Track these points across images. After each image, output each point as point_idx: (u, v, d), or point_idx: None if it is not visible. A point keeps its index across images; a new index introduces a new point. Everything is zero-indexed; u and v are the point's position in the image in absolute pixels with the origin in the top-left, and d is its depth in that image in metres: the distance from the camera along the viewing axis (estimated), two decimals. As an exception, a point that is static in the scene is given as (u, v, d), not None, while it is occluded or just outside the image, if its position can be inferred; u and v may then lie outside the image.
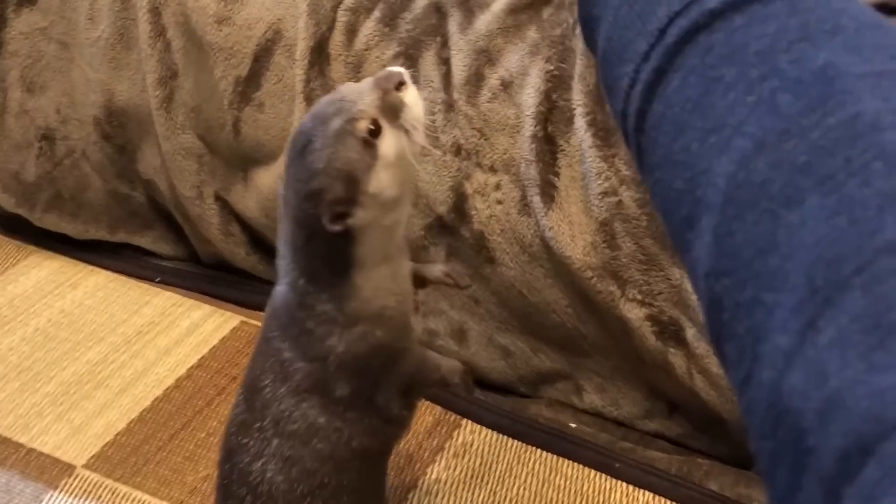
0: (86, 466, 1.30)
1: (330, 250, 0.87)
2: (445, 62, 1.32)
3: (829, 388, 0.33)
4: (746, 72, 0.41)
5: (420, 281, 1.03)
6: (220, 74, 1.45)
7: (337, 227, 0.84)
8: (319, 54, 1.37)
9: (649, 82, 0.45)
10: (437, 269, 1.06)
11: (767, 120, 0.39)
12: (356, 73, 1.35)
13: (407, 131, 0.84)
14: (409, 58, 1.34)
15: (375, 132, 0.83)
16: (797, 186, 0.37)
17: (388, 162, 0.84)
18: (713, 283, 0.40)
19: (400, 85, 0.85)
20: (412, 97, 0.86)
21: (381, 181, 0.84)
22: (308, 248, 0.88)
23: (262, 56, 1.43)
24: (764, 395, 0.36)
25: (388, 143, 0.84)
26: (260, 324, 1.56)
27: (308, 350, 0.93)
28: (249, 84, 1.44)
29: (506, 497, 1.28)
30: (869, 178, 0.35)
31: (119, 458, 1.31)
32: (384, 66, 1.33)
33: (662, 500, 1.29)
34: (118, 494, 1.26)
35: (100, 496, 1.25)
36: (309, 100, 1.37)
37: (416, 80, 1.34)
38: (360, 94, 0.85)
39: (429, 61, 1.33)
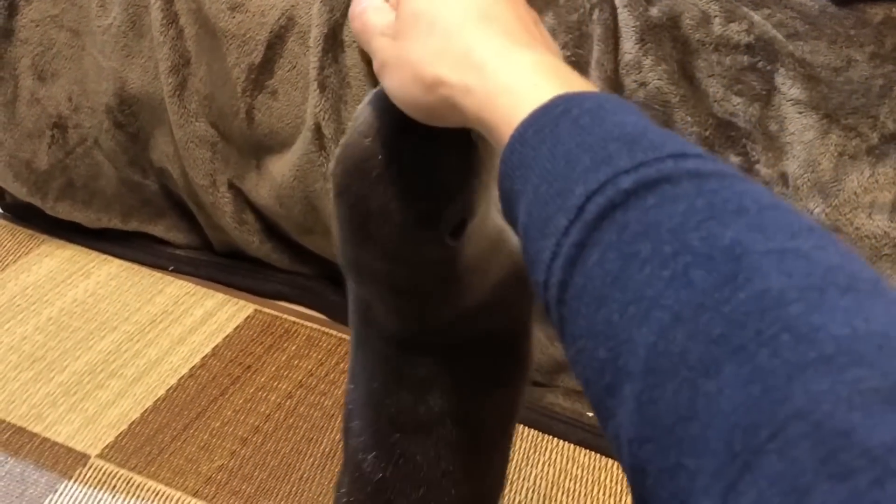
0: (100, 456, 1.30)
1: (440, 265, 0.74)
2: (460, 48, 1.31)
3: None
4: (660, 248, 0.44)
5: None
6: (233, 62, 1.44)
7: (459, 240, 0.71)
8: (333, 41, 1.36)
9: (570, 256, 0.47)
10: None
11: (683, 294, 0.42)
12: (370, 60, 1.34)
13: None
14: (424, 44, 1.32)
15: None
16: (713, 356, 0.39)
17: (485, 142, 0.68)
18: (637, 450, 0.42)
19: None
20: None
21: (484, 161, 0.71)
22: (415, 277, 0.74)
23: (276, 43, 1.41)
24: None
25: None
26: (274, 312, 1.56)
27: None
28: (263, 71, 1.43)
29: (522, 487, 1.27)
30: (777, 349, 0.37)
31: (133, 448, 1.31)
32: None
33: (680, 489, 1.27)
34: (133, 484, 1.25)
35: (114, 486, 1.25)
36: (323, 87, 1.36)
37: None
38: None
39: (444, 47, 1.32)
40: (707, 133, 1.21)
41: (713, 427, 0.37)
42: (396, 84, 0.61)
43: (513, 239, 0.77)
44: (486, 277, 0.79)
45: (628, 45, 1.24)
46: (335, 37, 1.36)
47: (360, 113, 0.72)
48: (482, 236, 0.76)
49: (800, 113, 1.19)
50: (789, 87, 1.19)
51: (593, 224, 0.46)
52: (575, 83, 0.54)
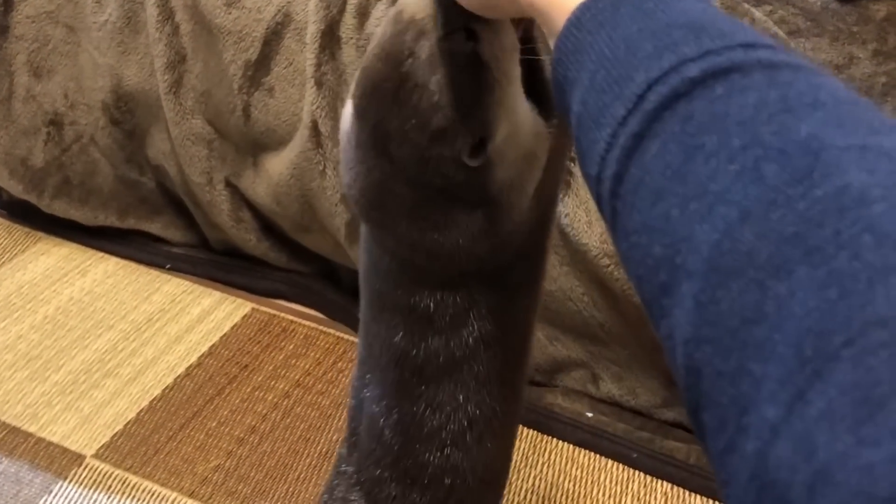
0: (95, 456, 1.29)
1: (469, 188, 0.72)
2: (459, 45, 1.30)
3: (817, 461, 0.32)
4: (728, 141, 0.41)
5: None
6: (229, 58, 1.43)
7: (480, 160, 0.70)
8: (330, 37, 1.35)
9: (627, 147, 0.45)
10: None
11: (752, 189, 0.39)
12: (368, 56, 1.33)
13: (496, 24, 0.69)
14: (422, 41, 1.31)
15: (473, 36, 0.68)
16: (785, 257, 0.37)
17: (497, 60, 0.69)
18: (693, 350, 0.39)
19: None
20: None
21: (501, 79, 0.70)
22: (441, 200, 0.73)
23: (272, 40, 1.40)
24: (747, 466, 0.36)
25: (489, 42, 0.69)
26: (271, 311, 1.55)
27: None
28: (259, 68, 1.42)
29: (522, 487, 1.26)
30: (859, 252, 0.35)
31: (129, 448, 1.30)
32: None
33: (680, 490, 1.27)
34: (128, 484, 1.24)
35: (109, 486, 1.24)
36: (320, 84, 1.34)
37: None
38: (411, 5, 0.69)
39: (442, 44, 1.31)
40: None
41: (782, 331, 0.35)
42: None
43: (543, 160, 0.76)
44: (521, 199, 0.76)
45: None
46: (332, 33, 1.35)
47: (375, 34, 0.72)
48: (511, 159, 0.74)
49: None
50: (791, 85, 1.18)
51: (654, 114, 0.44)
52: None
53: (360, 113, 0.72)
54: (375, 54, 0.70)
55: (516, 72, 0.72)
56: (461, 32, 0.68)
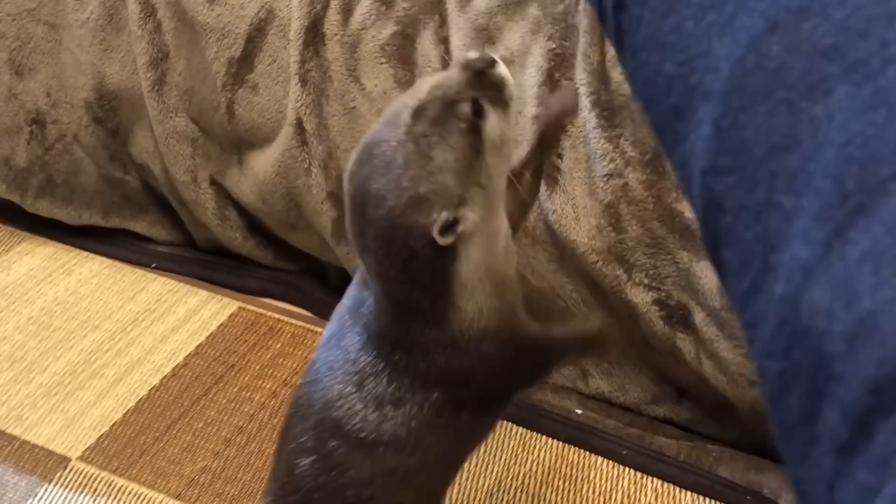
0: (81, 458, 1.27)
1: (431, 273, 0.75)
2: (444, 41, 1.29)
3: (860, 308, 0.28)
4: None
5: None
6: (212, 56, 1.41)
7: (448, 239, 0.73)
8: (314, 34, 1.34)
9: None
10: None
11: None
12: (352, 53, 1.32)
13: (506, 109, 0.75)
14: (407, 37, 1.30)
15: (479, 112, 0.73)
16: (822, 74, 0.32)
17: (494, 146, 0.74)
18: (712, 182, 0.35)
19: (493, 63, 0.76)
20: (504, 76, 0.76)
21: (490, 169, 0.74)
22: (403, 277, 0.76)
23: (256, 36, 1.39)
24: (776, 310, 0.32)
25: (493, 124, 0.74)
26: (258, 310, 1.54)
27: (404, 368, 0.82)
28: (243, 65, 1.40)
29: (511, 485, 1.25)
30: None
31: (115, 450, 1.28)
32: (381, 45, 1.30)
33: (671, 486, 1.26)
34: (114, 487, 1.23)
35: (95, 489, 1.23)
36: (304, 81, 1.33)
37: (414, 61, 1.31)
38: (449, 78, 0.75)
39: (427, 40, 1.29)
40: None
41: (819, 160, 0.31)
42: None
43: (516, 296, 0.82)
44: (476, 309, 0.79)
45: (615, 37, 1.22)
46: (316, 30, 1.34)
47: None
48: (478, 260, 0.77)
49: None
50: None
51: None
52: None
53: (349, 172, 0.76)
54: (384, 117, 0.75)
55: (504, 168, 0.76)
56: (469, 102, 0.72)
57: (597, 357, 0.90)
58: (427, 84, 0.75)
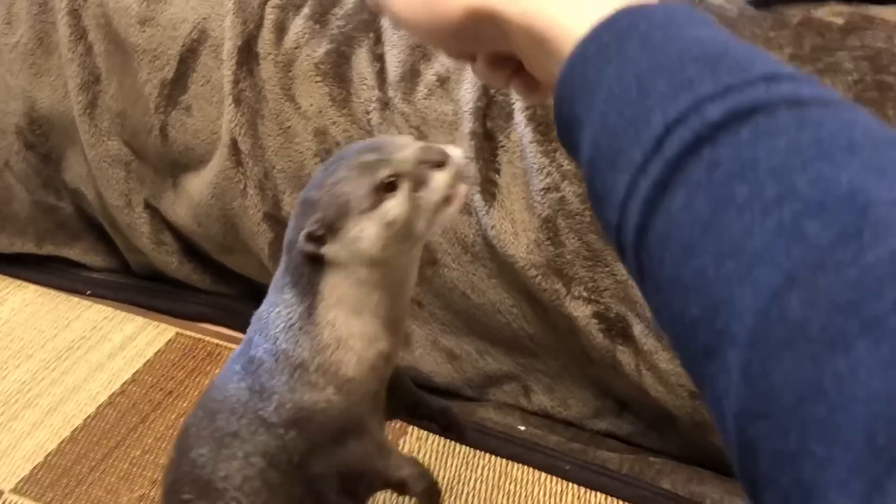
0: (14, 491, 1.24)
1: (301, 272, 0.83)
2: (379, 59, 1.28)
3: None
4: (761, 191, 0.37)
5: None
6: (144, 77, 1.40)
7: (308, 247, 0.80)
8: (248, 53, 1.33)
9: (649, 197, 0.41)
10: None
11: (795, 250, 0.35)
12: (287, 72, 1.31)
13: (417, 208, 0.79)
14: (341, 55, 1.30)
15: (390, 187, 0.79)
16: (841, 329, 0.33)
17: (382, 219, 0.79)
18: (746, 425, 0.36)
19: (439, 164, 0.80)
20: (440, 182, 0.80)
21: (363, 231, 0.80)
22: (287, 268, 0.84)
23: (188, 57, 1.38)
24: None
25: (395, 204, 0.79)
26: (196, 335, 1.52)
27: (256, 383, 0.86)
28: (176, 87, 1.39)
29: (455, 504, 1.24)
30: None
31: (50, 481, 1.25)
32: (315, 64, 1.29)
33: (614, 500, 1.26)
34: (49, 519, 1.20)
35: (30, 521, 1.20)
36: (238, 101, 1.32)
37: (349, 79, 1.30)
38: (402, 147, 0.81)
39: (362, 58, 1.29)
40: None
41: (847, 413, 0.32)
42: (405, 6, 0.57)
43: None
44: (334, 339, 0.85)
45: None
46: (249, 49, 1.33)
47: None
48: (341, 297, 0.83)
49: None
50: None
51: (676, 161, 0.40)
52: None
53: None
54: (351, 145, 0.85)
55: (389, 253, 0.81)
56: (388, 171, 0.79)
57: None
58: (385, 139, 0.84)
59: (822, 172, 0.36)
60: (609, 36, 0.46)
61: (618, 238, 0.44)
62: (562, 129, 0.50)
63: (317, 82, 1.30)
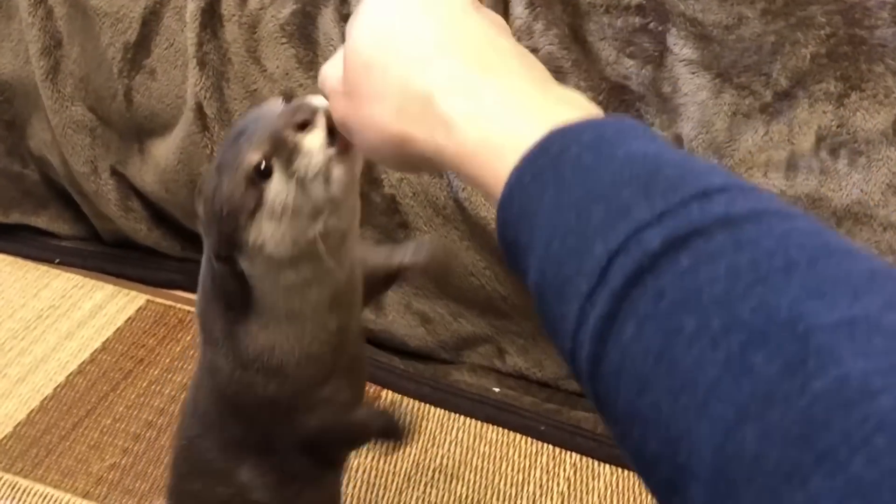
0: (-17, 462, 1.23)
1: (228, 285, 0.74)
2: (346, 19, 1.26)
3: None
4: (707, 322, 0.38)
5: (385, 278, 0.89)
6: (107, 41, 1.37)
7: (223, 270, 0.72)
8: (211, 16, 1.30)
9: (599, 329, 0.41)
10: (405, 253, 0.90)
11: (745, 383, 0.36)
12: (251, 34, 1.29)
13: (301, 182, 0.67)
14: (307, 16, 1.27)
15: (265, 173, 0.67)
16: (795, 463, 0.34)
17: (272, 211, 0.68)
18: None
19: (304, 125, 0.67)
20: (313, 143, 0.66)
21: (262, 232, 0.69)
22: (216, 273, 0.75)
23: (151, 20, 1.35)
24: None
25: (276, 189, 0.67)
26: (167, 302, 1.51)
27: (208, 376, 0.81)
28: (139, 50, 1.36)
29: (430, 467, 1.24)
30: (874, 456, 0.32)
31: (19, 451, 1.24)
32: (281, 25, 1.27)
33: (589, 460, 1.26)
34: (18, 489, 1.19)
35: (-1, 493, 1.18)
36: (203, 64, 1.30)
37: (315, 40, 1.28)
38: (262, 120, 0.69)
39: (328, 18, 1.27)
40: (601, 97, 1.19)
41: None
42: (364, 144, 0.57)
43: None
44: (268, 344, 0.78)
45: (518, 10, 1.21)
46: (213, 11, 1.30)
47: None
48: (271, 299, 0.75)
49: (692, 73, 1.17)
50: (681, 48, 1.17)
51: (622, 292, 0.40)
52: (557, 106, 0.49)
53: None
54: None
55: (287, 236, 0.70)
56: (258, 155, 0.68)
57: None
58: (256, 111, 0.72)
59: (763, 299, 0.37)
60: (542, 161, 0.46)
61: (573, 364, 0.44)
62: (507, 253, 0.49)
63: (282, 44, 1.27)
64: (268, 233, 0.69)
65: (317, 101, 0.67)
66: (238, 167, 0.68)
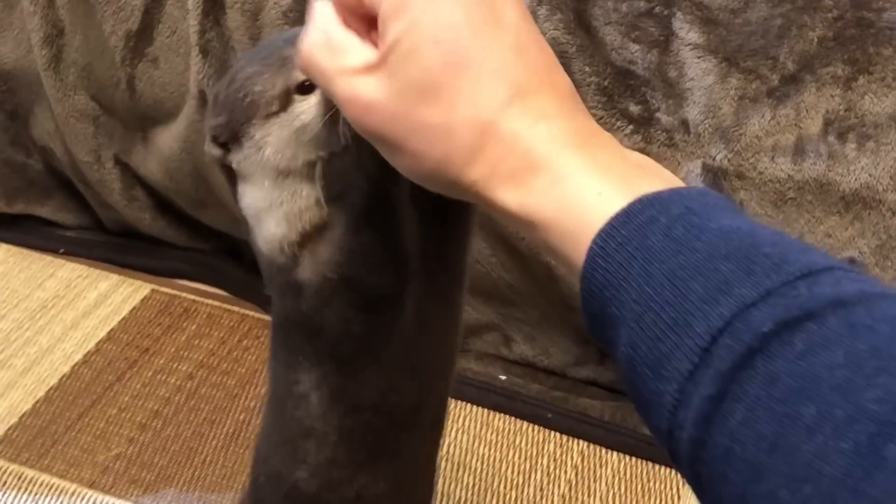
0: (-11, 452, 1.23)
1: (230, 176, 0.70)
2: (348, 5, 1.25)
3: None
4: (829, 411, 0.36)
5: None
6: (109, 29, 1.36)
7: (214, 151, 0.68)
8: (213, 3, 1.29)
9: (704, 411, 0.40)
10: None
11: (878, 477, 0.34)
12: (254, 20, 1.28)
13: (333, 116, 0.63)
14: (310, 2, 1.26)
15: (307, 90, 0.64)
16: None
17: (291, 124, 0.65)
18: None
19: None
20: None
21: (269, 137, 0.65)
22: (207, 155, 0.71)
23: (153, 7, 1.34)
24: None
25: (307, 108, 0.64)
26: (172, 291, 1.50)
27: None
28: (141, 38, 1.36)
29: (436, 456, 1.23)
30: None
31: (25, 441, 1.24)
32: (283, 12, 1.26)
33: (597, 447, 1.25)
34: (24, 479, 1.18)
35: (5, 482, 1.18)
36: (205, 52, 1.29)
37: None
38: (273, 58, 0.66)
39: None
40: (606, 83, 1.18)
41: None
42: (405, 167, 0.52)
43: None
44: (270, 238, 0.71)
45: (522, -5, 1.20)
46: (215, -2, 1.29)
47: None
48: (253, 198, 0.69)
49: (699, 58, 1.16)
50: (687, 32, 1.16)
51: (730, 375, 0.39)
52: (641, 176, 0.47)
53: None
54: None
55: (309, 126, 0.66)
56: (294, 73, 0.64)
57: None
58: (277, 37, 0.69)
59: (889, 388, 0.35)
60: (629, 229, 0.44)
61: (669, 444, 0.43)
62: (592, 325, 0.47)
63: (285, 30, 1.27)
64: (274, 139, 0.65)
65: None
66: (290, 72, 0.63)
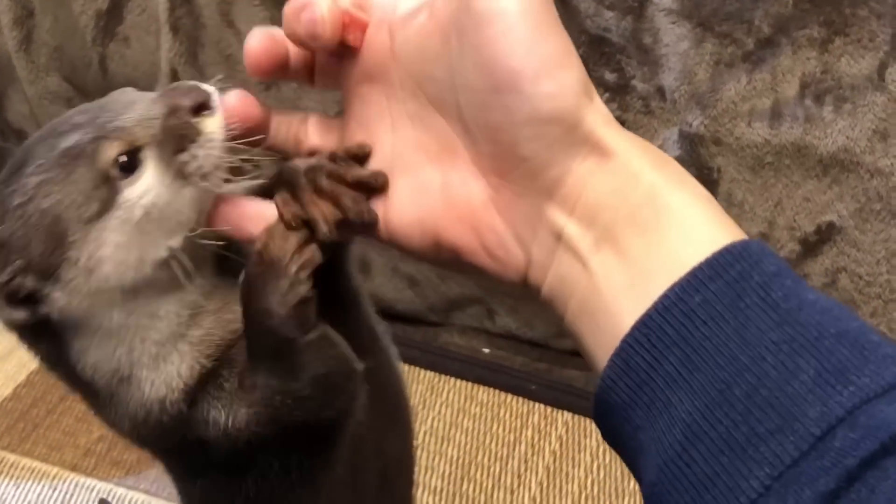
0: (-31, 439, 1.22)
1: (34, 344, 0.56)
2: (320, -22, 1.24)
3: None
4: None
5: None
6: (79, 9, 1.35)
7: (19, 315, 0.51)
8: (183, -21, 1.28)
9: None
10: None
11: None
12: (225, -4, 1.26)
13: (189, 177, 0.50)
14: (281, -24, 1.25)
15: (129, 166, 0.49)
16: None
17: (130, 217, 0.49)
18: None
19: (201, 108, 0.50)
20: (215, 127, 0.50)
21: (103, 248, 0.50)
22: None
23: (123, -15, 1.33)
24: None
25: (145, 186, 0.50)
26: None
27: None
28: (112, 17, 1.34)
29: (420, 430, 1.23)
30: None
31: (6, 426, 1.23)
32: (254, -14, 1.25)
33: (581, 418, 1.25)
34: (5, 464, 1.18)
35: (-13, 469, 1.18)
36: (176, 30, 1.27)
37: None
38: (128, 105, 0.51)
39: (302, -22, 1.25)
40: (580, 51, 1.16)
41: None
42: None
43: None
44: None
45: (494, -36, 1.18)
46: (184, -26, 1.28)
47: None
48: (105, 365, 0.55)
49: (673, 23, 1.14)
50: (662, -3, 1.15)
51: (857, 472, 0.34)
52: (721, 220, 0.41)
53: None
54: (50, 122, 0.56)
55: (146, 255, 0.50)
56: (118, 143, 0.49)
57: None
58: (105, 100, 0.54)
59: None
60: (716, 286, 0.39)
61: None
62: (629, 382, 0.40)
63: (256, 6, 1.25)
64: (110, 249, 0.50)
65: (205, 87, 0.52)
66: (93, 157, 0.49)
